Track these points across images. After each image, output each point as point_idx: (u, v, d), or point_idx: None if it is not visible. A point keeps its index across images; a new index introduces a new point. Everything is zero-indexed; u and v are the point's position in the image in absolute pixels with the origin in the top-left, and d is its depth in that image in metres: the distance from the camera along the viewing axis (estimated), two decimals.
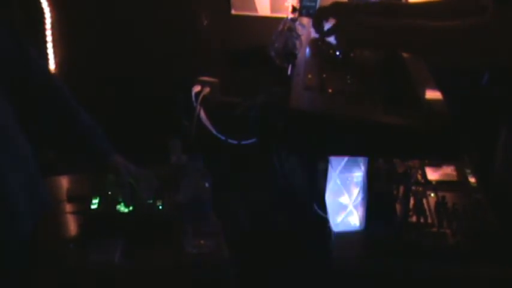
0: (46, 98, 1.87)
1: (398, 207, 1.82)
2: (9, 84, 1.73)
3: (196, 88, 2.82)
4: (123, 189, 1.93)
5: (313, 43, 1.94)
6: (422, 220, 1.78)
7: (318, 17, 1.91)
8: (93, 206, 1.92)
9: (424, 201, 1.85)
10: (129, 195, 1.92)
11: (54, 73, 2.76)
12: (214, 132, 2.84)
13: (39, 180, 1.90)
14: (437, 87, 1.71)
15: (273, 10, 2.72)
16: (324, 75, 1.72)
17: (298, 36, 1.98)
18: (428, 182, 1.95)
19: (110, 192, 1.94)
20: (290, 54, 1.90)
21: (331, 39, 1.87)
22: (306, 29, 2.10)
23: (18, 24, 2.54)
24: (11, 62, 1.74)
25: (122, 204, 1.91)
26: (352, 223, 1.85)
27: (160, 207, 1.92)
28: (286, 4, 2.63)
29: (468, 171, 2.01)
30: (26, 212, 1.73)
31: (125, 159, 2.00)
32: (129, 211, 1.91)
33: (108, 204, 1.92)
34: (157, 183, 2.01)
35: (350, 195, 1.87)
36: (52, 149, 2.09)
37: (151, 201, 1.94)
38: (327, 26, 1.89)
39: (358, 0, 2.26)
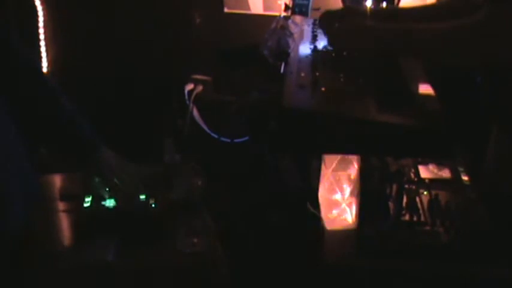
0: (31, 85, 1.84)
1: (391, 205, 1.82)
2: None
3: (189, 86, 2.81)
4: (110, 188, 1.92)
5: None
6: (415, 218, 1.78)
7: (325, 19, 1.91)
8: (86, 205, 1.91)
9: (417, 199, 1.86)
10: (119, 195, 1.91)
11: (38, 63, 2.72)
12: (207, 130, 2.84)
13: (32, 178, 1.89)
14: (431, 86, 1.71)
15: (265, 8, 2.72)
16: (317, 74, 1.72)
17: (291, 35, 1.98)
18: (421, 181, 1.96)
19: (98, 192, 1.94)
20: (283, 53, 1.90)
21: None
22: (299, 27, 2.10)
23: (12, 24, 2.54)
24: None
25: (111, 201, 1.90)
26: (345, 221, 1.86)
27: (154, 205, 1.91)
28: (279, 2, 2.63)
29: (461, 169, 2.01)
30: (19, 211, 1.72)
31: (113, 152, 1.97)
32: (122, 210, 1.90)
33: (100, 203, 1.92)
34: (144, 178, 1.99)
35: (343, 193, 1.88)
36: (38, 141, 2.05)
37: (144, 200, 1.93)
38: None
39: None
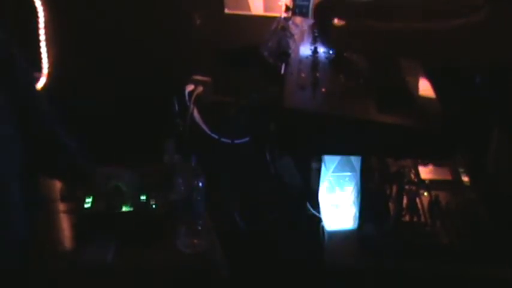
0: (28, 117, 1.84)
1: (391, 206, 1.82)
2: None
3: (190, 87, 2.81)
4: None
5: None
6: (415, 219, 1.78)
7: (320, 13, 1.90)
8: (87, 206, 1.91)
9: (418, 200, 1.86)
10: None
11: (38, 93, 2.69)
12: (207, 131, 2.83)
13: (33, 179, 1.89)
14: (431, 87, 1.71)
15: (266, 9, 2.72)
16: (317, 74, 1.72)
17: (292, 36, 1.98)
18: (421, 181, 1.96)
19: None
20: (283, 54, 1.90)
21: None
22: (300, 28, 2.10)
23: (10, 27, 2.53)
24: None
25: (123, 205, 1.90)
26: (346, 222, 1.86)
27: (154, 206, 1.92)
28: (279, 3, 2.63)
29: (461, 170, 2.01)
30: (20, 212, 1.72)
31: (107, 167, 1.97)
32: (123, 211, 1.90)
33: (101, 204, 1.92)
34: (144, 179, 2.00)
35: (343, 194, 1.88)
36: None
37: (144, 200, 1.93)
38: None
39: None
